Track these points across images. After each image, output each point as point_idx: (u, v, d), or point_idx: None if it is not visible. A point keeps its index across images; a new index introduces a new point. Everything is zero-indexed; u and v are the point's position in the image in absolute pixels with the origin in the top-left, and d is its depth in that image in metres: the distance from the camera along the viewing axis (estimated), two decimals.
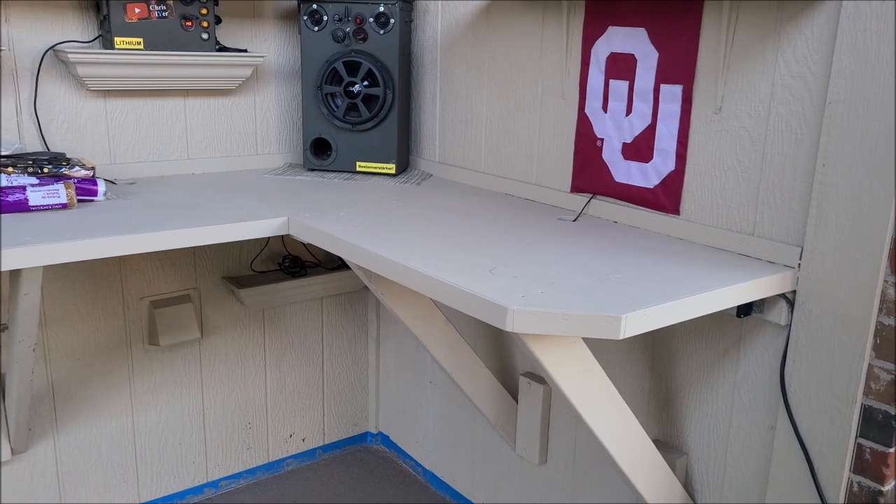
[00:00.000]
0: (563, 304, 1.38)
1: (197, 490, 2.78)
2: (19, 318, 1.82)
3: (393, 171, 2.48)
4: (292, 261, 2.69)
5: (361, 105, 2.42)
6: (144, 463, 2.63)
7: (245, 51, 2.41)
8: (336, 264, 2.82)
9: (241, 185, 2.31)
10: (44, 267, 1.81)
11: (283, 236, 2.72)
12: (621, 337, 1.32)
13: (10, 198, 1.79)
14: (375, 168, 2.49)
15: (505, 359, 2.43)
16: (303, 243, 2.75)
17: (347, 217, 1.93)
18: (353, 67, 2.40)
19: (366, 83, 2.40)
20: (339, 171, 2.51)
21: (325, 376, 3.01)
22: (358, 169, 2.50)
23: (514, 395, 2.38)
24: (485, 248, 1.69)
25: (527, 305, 1.35)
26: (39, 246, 1.56)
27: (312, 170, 2.53)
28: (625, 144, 1.92)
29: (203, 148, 2.49)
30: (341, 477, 2.97)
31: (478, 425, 2.61)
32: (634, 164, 1.91)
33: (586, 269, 1.57)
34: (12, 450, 2.29)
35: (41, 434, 2.39)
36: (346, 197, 2.17)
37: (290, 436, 2.98)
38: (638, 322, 1.34)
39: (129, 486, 2.61)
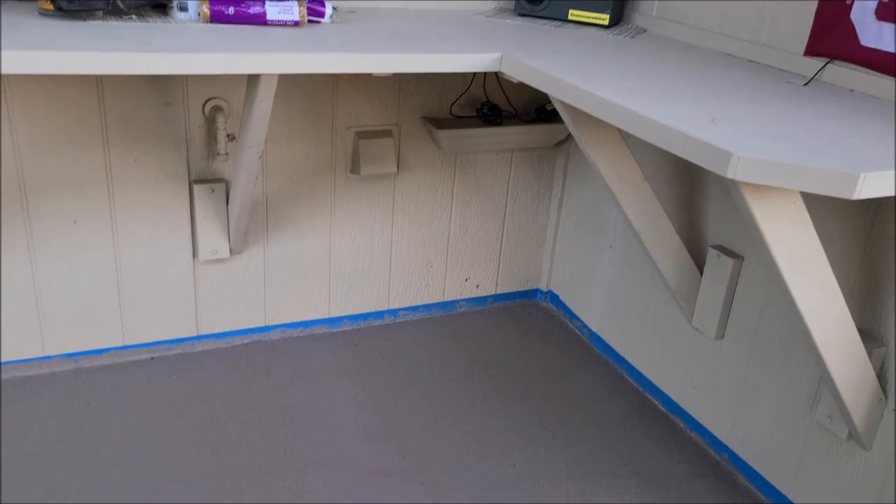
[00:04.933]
0: (792, 157, 1.31)
1: (378, 315, 3.01)
2: (252, 125, 1.99)
3: (606, 23, 2.39)
4: (490, 108, 2.71)
5: None
6: (337, 282, 2.87)
7: None
8: (531, 118, 2.81)
9: (454, 22, 2.32)
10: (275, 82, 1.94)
11: (483, 84, 2.74)
12: (855, 197, 1.24)
13: (252, 10, 1.91)
14: (588, 18, 2.41)
15: (695, 228, 2.37)
16: (503, 91, 2.76)
17: (560, 59, 1.90)
18: None
19: None
20: (550, 19, 2.45)
21: (506, 229, 3.09)
22: (569, 17, 2.43)
23: (699, 266, 2.33)
24: (705, 101, 1.62)
25: (753, 153, 1.29)
26: (280, 54, 1.68)
27: (523, 15, 2.49)
28: (881, 3, 1.73)
29: None
30: (508, 326, 3.10)
31: (653, 294, 2.60)
32: (888, 27, 1.72)
33: (817, 131, 1.47)
34: (231, 250, 2.57)
35: (254, 240, 2.65)
36: (557, 42, 2.13)
37: (466, 280, 3.12)
38: (877, 184, 1.25)
39: (322, 299, 2.87)
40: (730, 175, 1.30)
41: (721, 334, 2.32)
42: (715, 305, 2.28)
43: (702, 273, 2.32)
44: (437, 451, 2.34)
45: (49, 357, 2.52)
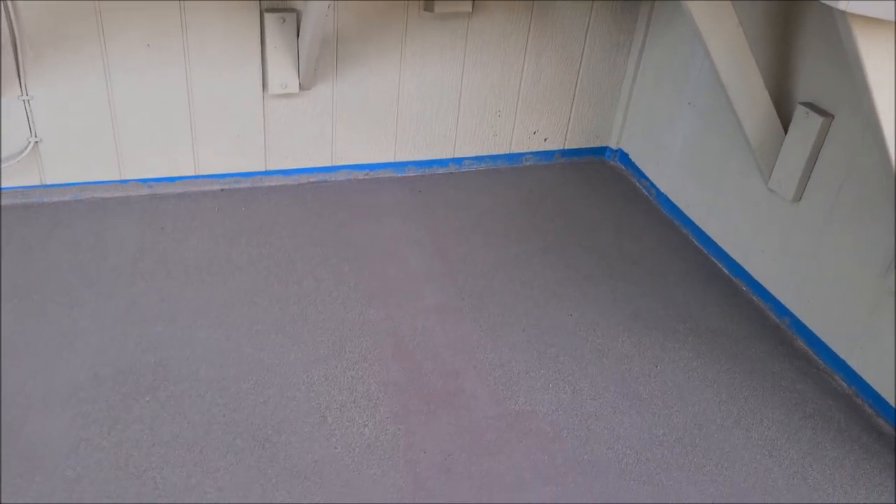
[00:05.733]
0: None
1: (443, 162, 2.99)
2: None
3: None
4: None
5: None
6: (404, 126, 2.84)
7: None
8: None
9: None
10: None
11: None
12: None
13: None
14: None
15: (785, 84, 2.24)
16: None
17: None
18: None
19: None
20: None
21: (580, 81, 2.98)
22: None
23: (784, 124, 2.22)
24: None
25: None
26: None
27: None
28: None
29: None
30: (574, 183, 3.05)
31: (730, 153, 2.50)
32: None
33: None
34: (300, 85, 2.55)
35: (323, 77, 2.62)
36: None
37: (534, 133, 3.05)
38: None
39: (388, 143, 2.86)
40: (841, 7, 1.20)
41: (798, 197, 2.23)
42: (796, 166, 2.18)
43: (786, 131, 2.21)
44: (496, 295, 2.38)
45: (125, 181, 2.60)
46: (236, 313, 2.19)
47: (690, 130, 2.70)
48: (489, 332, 2.23)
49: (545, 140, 3.09)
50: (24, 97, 2.32)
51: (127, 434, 1.80)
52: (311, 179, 2.83)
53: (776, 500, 1.81)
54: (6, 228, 2.40)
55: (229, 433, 1.83)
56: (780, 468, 1.89)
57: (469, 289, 2.39)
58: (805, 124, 2.13)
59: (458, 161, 3.01)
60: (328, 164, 2.82)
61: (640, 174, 3.03)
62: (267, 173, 2.76)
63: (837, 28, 1.32)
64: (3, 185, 2.47)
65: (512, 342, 2.21)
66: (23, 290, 2.18)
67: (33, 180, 2.49)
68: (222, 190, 2.72)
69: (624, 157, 3.14)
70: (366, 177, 2.90)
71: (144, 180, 2.62)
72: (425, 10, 2.58)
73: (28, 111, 2.35)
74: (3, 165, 2.41)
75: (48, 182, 2.51)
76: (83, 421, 1.82)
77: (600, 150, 3.20)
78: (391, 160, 2.91)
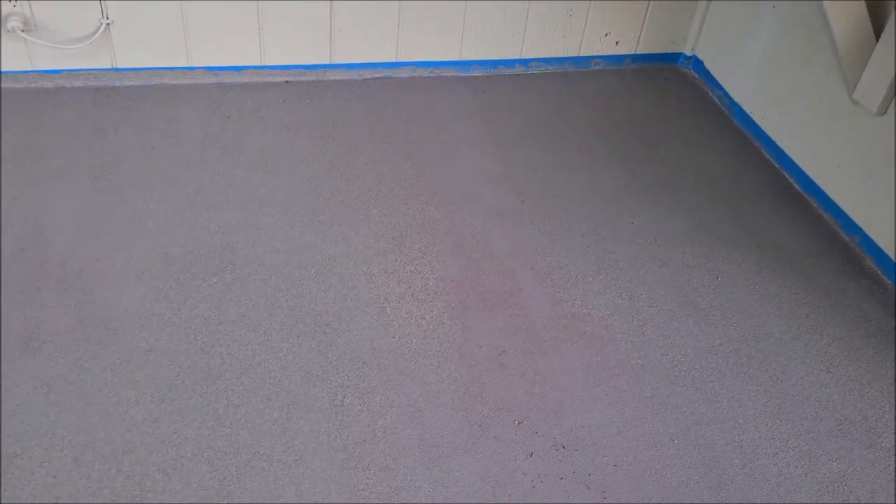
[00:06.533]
0: None
1: (509, 63, 2.92)
2: None
3: None
4: None
5: None
6: (471, 26, 2.76)
7: None
8: None
9: None
10: None
11: None
12: None
13: None
14: None
15: None
16: None
17: None
18: None
19: None
20: None
21: None
22: None
23: (877, 29, 2.08)
24: None
25: None
26: None
27: None
28: None
29: None
30: (644, 89, 2.95)
31: (814, 61, 2.37)
32: None
33: None
34: None
35: None
36: None
37: (606, 35, 2.94)
38: None
39: (454, 40, 2.79)
40: None
41: (884, 110, 2.12)
42: (886, 76, 2.06)
43: (878, 38, 2.08)
44: (557, 200, 2.36)
45: (193, 68, 2.61)
46: (300, 204, 2.23)
47: (772, 36, 2.56)
48: (548, 236, 2.23)
49: (617, 44, 2.98)
50: None
51: (196, 311, 1.88)
52: (376, 75, 2.80)
53: (831, 414, 1.80)
54: (82, 109, 2.45)
55: (292, 317, 1.90)
56: (836, 384, 1.87)
57: (529, 192, 2.38)
58: None
59: (525, 62, 2.93)
60: (393, 59, 2.78)
61: (714, 83, 2.91)
62: (331, 67, 2.74)
63: None
64: (78, 67, 2.51)
65: (570, 246, 2.20)
66: (97, 170, 2.25)
67: (105, 63, 2.53)
68: (287, 82, 2.72)
69: (698, 64, 3.01)
70: (430, 74, 2.86)
71: (211, 68, 2.63)
72: None
73: None
74: (76, 47, 2.44)
75: (119, 66, 2.54)
76: (155, 296, 1.90)
77: (673, 57, 3.08)
78: (456, 59, 2.85)
